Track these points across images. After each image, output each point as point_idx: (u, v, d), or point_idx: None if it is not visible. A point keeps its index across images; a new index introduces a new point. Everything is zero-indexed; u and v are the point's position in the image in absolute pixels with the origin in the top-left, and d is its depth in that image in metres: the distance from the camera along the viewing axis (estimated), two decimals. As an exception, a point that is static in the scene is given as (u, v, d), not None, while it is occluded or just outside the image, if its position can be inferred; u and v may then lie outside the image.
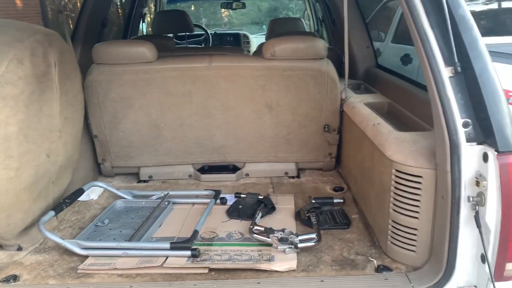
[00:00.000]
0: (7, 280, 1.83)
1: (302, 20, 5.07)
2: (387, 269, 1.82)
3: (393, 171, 1.80)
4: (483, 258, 1.54)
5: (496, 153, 1.46)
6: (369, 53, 3.35)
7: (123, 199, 2.52)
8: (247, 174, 2.90)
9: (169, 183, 2.86)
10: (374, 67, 3.30)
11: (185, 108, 2.69)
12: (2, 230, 1.95)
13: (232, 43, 6.69)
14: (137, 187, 2.80)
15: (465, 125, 1.51)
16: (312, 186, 2.74)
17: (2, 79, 1.81)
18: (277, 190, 2.70)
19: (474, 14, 5.19)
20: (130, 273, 1.85)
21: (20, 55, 1.89)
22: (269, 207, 2.37)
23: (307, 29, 5.57)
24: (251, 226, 2.10)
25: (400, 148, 1.80)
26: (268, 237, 1.99)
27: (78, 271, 1.88)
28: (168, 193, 2.52)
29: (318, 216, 2.24)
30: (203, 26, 6.50)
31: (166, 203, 2.43)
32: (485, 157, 1.49)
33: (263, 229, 2.05)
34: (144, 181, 2.89)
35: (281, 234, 1.99)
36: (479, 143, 1.52)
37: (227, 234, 2.15)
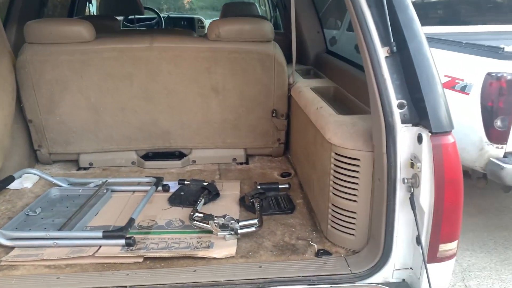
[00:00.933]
0: None
1: (256, 5, 4.99)
2: (327, 253, 1.80)
3: (333, 154, 1.77)
4: (418, 240, 1.54)
5: (430, 134, 1.45)
6: (319, 38, 3.32)
7: (58, 187, 2.38)
8: (194, 161, 2.82)
9: (111, 171, 2.73)
10: (324, 53, 3.28)
11: (126, 91, 2.57)
12: None
13: (186, 28, 6.51)
14: (76, 175, 2.66)
15: (400, 106, 1.49)
16: (260, 172, 2.69)
17: None
18: (224, 177, 2.64)
19: (431, 3, 5.28)
20: (59, 264, 1.74)
21: None
22: (213, 194, 2.30)
23: (263, 14, 5.50)
24: (192, 213, 2.03)
25: (339, 131, 1.77)
26: (208, 224, 1.92)
27: (1, 263, 1.75)
28: (106, 181, 2.40)
29: (262, 201, 2.20)
30: (156, 10, 6.28)
31: (104, 191, 2.32)
32: (419, 139, 1.47)
33: (203, 215, 1.99)
34: (84, 169, 2.74)
35: (221, 221, 1.93)
36: (414, 125, 1.50)
37: (166, 222, 2.07)
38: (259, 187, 2.35)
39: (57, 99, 2.56)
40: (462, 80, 2.96)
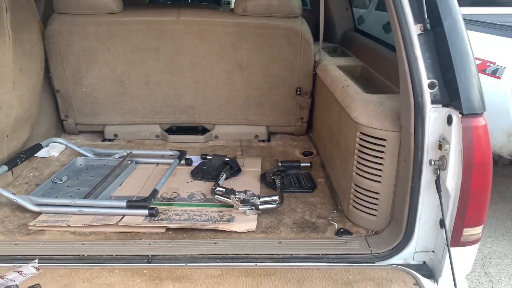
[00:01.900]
0: (-47, 235, 1.75)
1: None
2: (347, 232, 1.80)
3: (358, 133, 1.74)
4: (442, 223, 1.51)
5: (460, 116, 1.41)
6: (347, 15, 3.24)
7: (84, 157, 2.43)
8: (216, 136, 2.83)
9: (135, 143, 2.76)
10: (352, 31, 3.20)
11: (151, 64, 2.57)
12: None
13: (212, 3, 6.45)
14: (101, 146, 2.70)
15: (431, 85, 1.45)
16: (282, 150, 2.68)
17: None
18: (245, 153, 2.64)
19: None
20: (84, 231, 1.79)
21: None
22: (234, 169, 2.31)
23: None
24: (213, 187, 2.05)
25: (365, 110, 1.74)
26: (229, 198, 1.94)
27: (29, 228, 1.80)
28: (131, 152, 2.43)
29: (283, 179, 2.19)
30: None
31: (129, 162, 2.35)
32: (449, 120, 1.43)
33: (224, 190, 2.00)
34: (109, 140, 2.79)
35: (242, 196, 1.94)
36: (444, 105, 1.46)
37: (189, 194, 2.10)
38: (280, 164, 2.34)
39: (84, 70, 2.58)
40: (494, 63, 2.86)
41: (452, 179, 1.45)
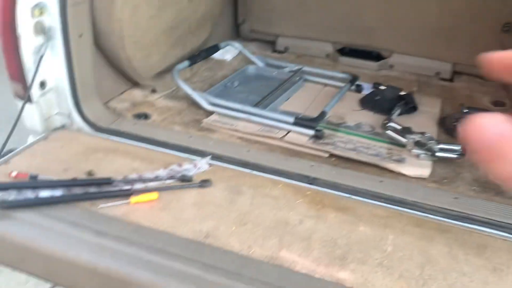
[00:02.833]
0: (138, 116, 1.92)
1: None
2: (543, 206, 1.50)
3: None
4: None
5: None
6: None
7: (255, 65, 2.42)
8: (391, 66, 2.57)
9: (304, 59, 2.66)
10: None
11: None
12: (141, 69, 2.00)
13: None
14: (271, 57, 2.67)
15: None
16: (466, 95, 2.33)
17: None
18: (422, 91, 2.35)
19: None
20: (250, 138, 1.81)
21: None
22: (409, 106, 2.08)
23: None
24: (386, 121, 1.87)
25: None
26: (404, 137, 1.75)
27: (202, 124, 1.89)
28: (301, 68, 2.34)
29: (468, 128, 1.90)
30: None
31: (298, 78, 2.28)
32: None
33: (400, 127, 1.81)
34: (279, 52, 2.73)
35: (419, 137, 1.73)
36: None
37: (356, 123, 1.96)
38: (466, 110, 2.03)
39: (268, -26, 2.49)
40: None
41: None
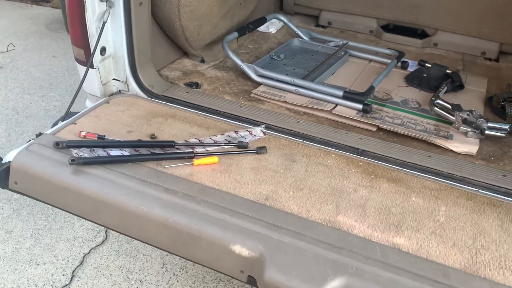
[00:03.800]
0: (190, 85, 1.98)
1: None
2: None
3: None
4: None
5: None
6: None
7: (300, 39, 2.44)
8: (435, 44, 2.56)
9: (347, 34, 2.67)
10: None
11: None
12: (192, 39, 2.05)
13: None
14: (314, 31, 2.68)
15: None
16: (513, 75, 2.31)
17: None
18: (468, 70, 2.35)
19: None
20: (298, 110, 1.85)
21: None
22: (456, 84, 2.08)
23: None
24: (433, 98, 1.89)
25: None
26: (452, 114, 1.77)
27: (251, 95, 1.94)
28: (347, 43, 2.36)
29: (516, 108, 1.91)
30: None
31: (343, 53, 2.30)
32: None
33: (448, 105, 1.83)
34: (323, 27, 2.74)
35: (467, 115, 1.75)
36: None
37: (402, 100, 1.98)
38: (514, 90, 2.03)
39: None
40: None
41: None
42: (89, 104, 1.88)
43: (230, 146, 1.51)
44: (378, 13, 2.58)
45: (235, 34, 2.17)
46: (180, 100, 1.82)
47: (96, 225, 2.07)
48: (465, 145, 1.68)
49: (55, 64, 4.01)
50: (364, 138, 1.69)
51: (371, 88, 1.91)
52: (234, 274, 1.17)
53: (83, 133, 1.47)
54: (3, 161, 1.39)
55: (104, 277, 2.14)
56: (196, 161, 1.38)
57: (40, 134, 1.50)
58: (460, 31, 2.47)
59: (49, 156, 1.38)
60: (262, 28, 2.56)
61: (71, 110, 1.70)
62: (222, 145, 1.50)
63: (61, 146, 1.38)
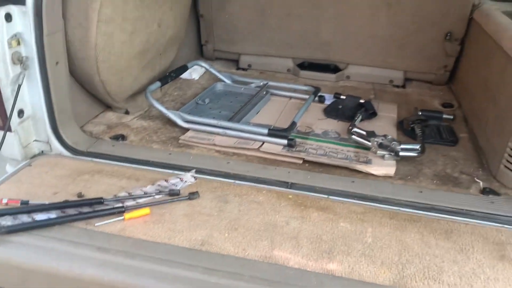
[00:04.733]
0: (116, 138, 1.97)
1: None
2: (494, 193, 1.69)
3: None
4: None
5: None
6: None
7: (223, 83, 2.53)
8: (348, 77, 2.76)
9: (267, 75, 2.81)
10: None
11: None
12: (114, 92, 2.06)
13: None
14: (235, 74, 2.79)
15: None
16: (418, 99, 2.55)
17: None
18: (379, 98, 2.55)
19: None
20: (228, 151, 1.90)
21: None
22: (370, 112, 2.25)
23: None
24: (350, 127, 2.03)
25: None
26: (368, 140, 1.91)
27: (180, 141, 1.96)
28: (267, 83, 2.48)
29: (423, 129, 2.10)
30: None
31: (264, 93, 2.41)
32: None
33: (364, 132, 1.97)
34: (243, 69, 2.87)
35: (382, 140, 1.90)
36: None
37: (323, 131, 2.11)
38: (420, 113, 2.23)
39: (229, -4, 2.63)
40: None
41: None
42: (9, 169, 1.80)
43: (161, 196, 1.51)
44: (293, 53, 2.75)
45: (158, 84, 2.21)
46: (106, 154, 1.80)
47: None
48: (383, 167, 1.81)
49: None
50: (292, 171, 1.77)
51: (293, 124, 2.01)
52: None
53: (5, 200, 1.40)
54: None
55: None
56: (126, 215, 1.37)
57: (-45, 207, 1.41)
58: (369, 63, 2.70)
59: (-33, 229, 1.30)
60: (185, 75, 2.62)
61: (-10, 177, 1.62)
62: (153, 195, 1.50)
63: (-20, 217, 1.31)
